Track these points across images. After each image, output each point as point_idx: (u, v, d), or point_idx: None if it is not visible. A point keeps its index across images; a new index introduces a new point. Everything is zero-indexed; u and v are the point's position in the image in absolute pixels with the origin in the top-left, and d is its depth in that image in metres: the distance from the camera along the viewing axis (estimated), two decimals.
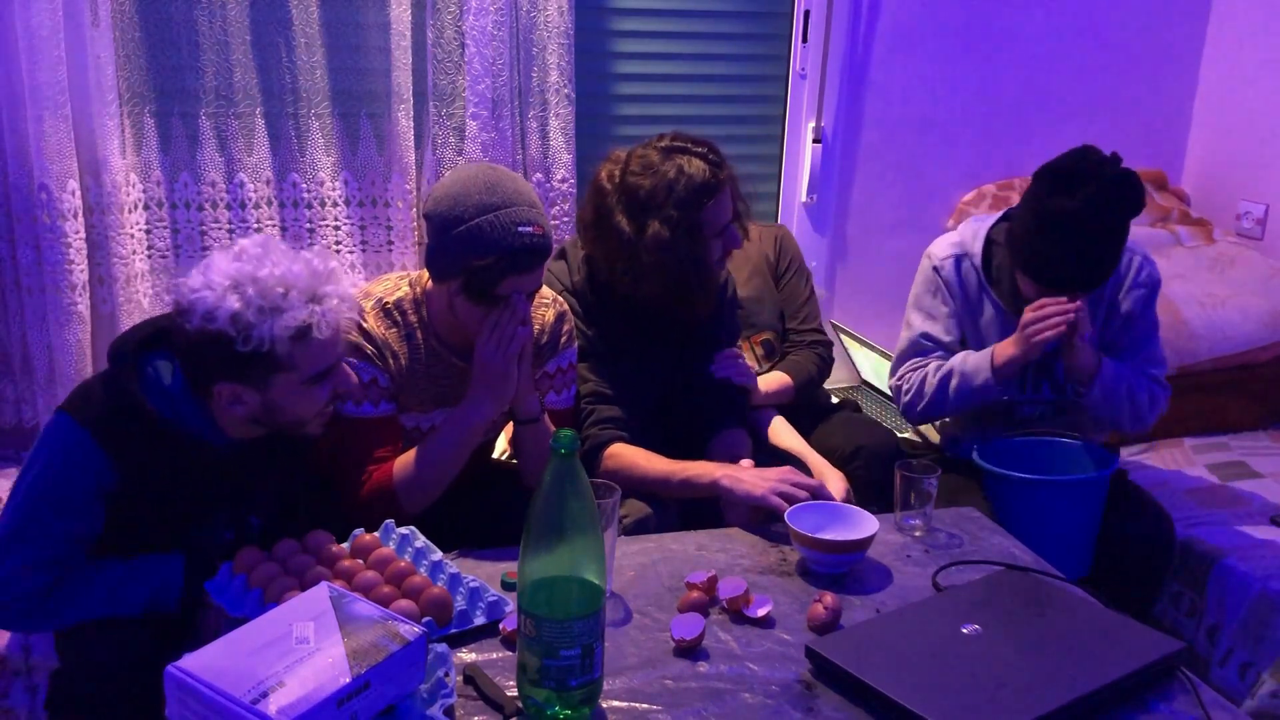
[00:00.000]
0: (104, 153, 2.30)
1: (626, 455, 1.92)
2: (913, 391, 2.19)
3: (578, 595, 1.23)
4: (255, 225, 2.52)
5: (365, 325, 1.76)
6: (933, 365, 2.17)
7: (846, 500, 1.88)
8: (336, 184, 2.58)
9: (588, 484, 1.24)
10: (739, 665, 1.39)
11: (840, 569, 1.62)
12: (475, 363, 1.74)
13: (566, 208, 2.66)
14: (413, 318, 1.80)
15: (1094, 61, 3.17)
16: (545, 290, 1.91)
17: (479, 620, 1.46)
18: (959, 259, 2.19)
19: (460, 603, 1.47)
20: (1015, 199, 3.01)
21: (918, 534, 1.78)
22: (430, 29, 2.49)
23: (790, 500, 1.70)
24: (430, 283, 1.79)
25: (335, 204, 2.59)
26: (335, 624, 1.22)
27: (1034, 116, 3.15)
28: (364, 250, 2.64)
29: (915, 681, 1.29)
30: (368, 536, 1.62)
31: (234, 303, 1.47)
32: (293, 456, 1.74)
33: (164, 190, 2.47)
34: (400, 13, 2.45)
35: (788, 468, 1.83)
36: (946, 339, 2.19)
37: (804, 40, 2.90)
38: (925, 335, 2.20)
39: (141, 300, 2.42)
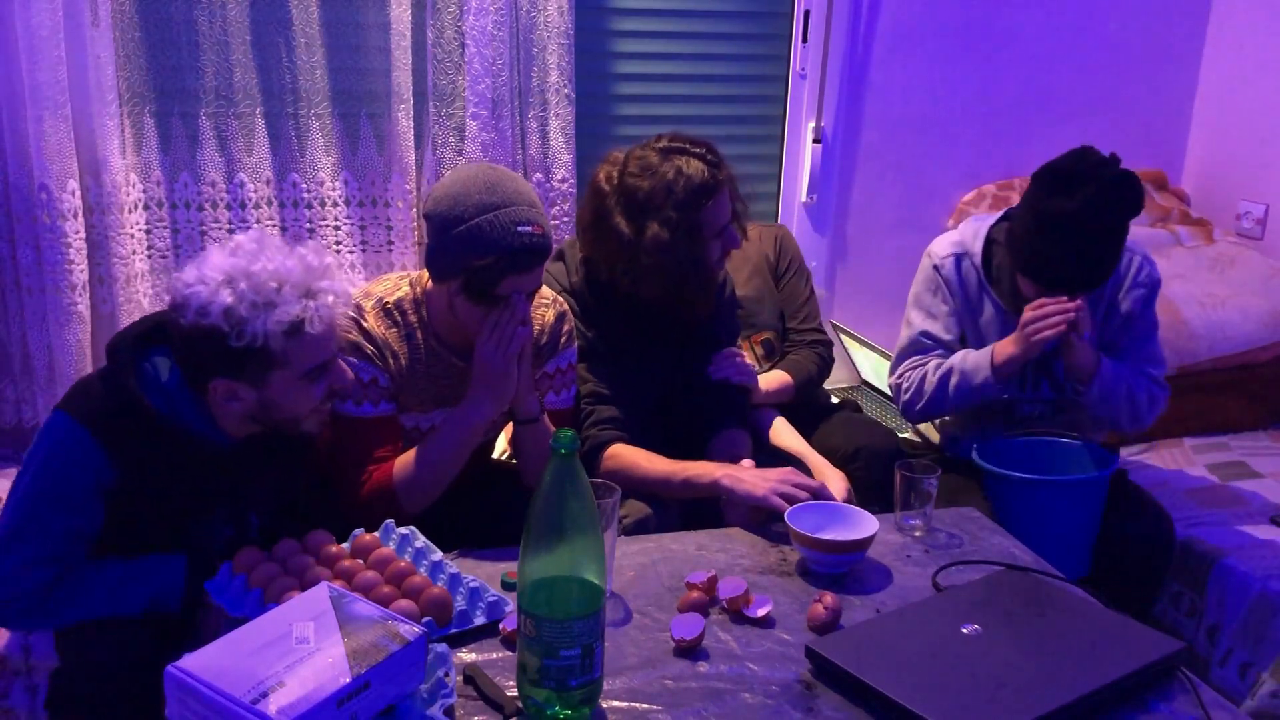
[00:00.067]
0: (104, 153, 2.30)
1: (627, 456, 1.92)
2: (912, 390, 2.19)
3: (578, 595, 1.23)
4: (255, 225, 2.52)
5: (365, 325, 1.76)
6: (932, 364, 2.17)
7: (847, 501, 1.88)
8: (336, 184, 2.58)
9: (588, 484, 1.24)
10: (739, 665, 1.39)
11: (840, 569, 1.62)
12: (475, 363, 1.74)
13: (566, 208, 2.66)
14: (413, 318, 1.80)
15: (1094, 61, 3.17)
16: (545, 290, 1.91)
17: (479, 620, 1.46)
18: (959, 258, 2.19)
19: (460, 603, 1.47)
20: (1015, 199, 3.01)
21: (918, 534, 1.78)
22: (430, 29, 2.49)
23: (791, 501, 1.70)
24: (430, 283, 1.79)
25: (335, 204, 2.59)
26: (335, 624, 1.22)
27: (1034, 116, 3.15)
28: (364, 250, 2.64)
29: (915, 681, 1.29)
30: (368, 536, 1.62)
31: (227, 297, 1.46)
32: (291, 454, 1.74)
33: (164, 190, 2.47)
34: (400, 13, 2.46)
35: (789, 468, 1.83)
36: (946, 337, 2.19)
37: (804, 40, 2.90)
38: (925, 334, 2.20)
39: (141, 300, 2.42)
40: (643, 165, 1.90)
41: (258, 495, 1.70)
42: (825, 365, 2.39)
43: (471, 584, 1.51)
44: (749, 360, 2.14)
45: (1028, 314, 2.02)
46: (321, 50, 2.49)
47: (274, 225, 2.54)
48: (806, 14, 2.88)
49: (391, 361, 1.78)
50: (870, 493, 2.02)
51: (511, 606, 1.46)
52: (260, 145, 2.50)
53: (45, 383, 2.35)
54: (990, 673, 1.32)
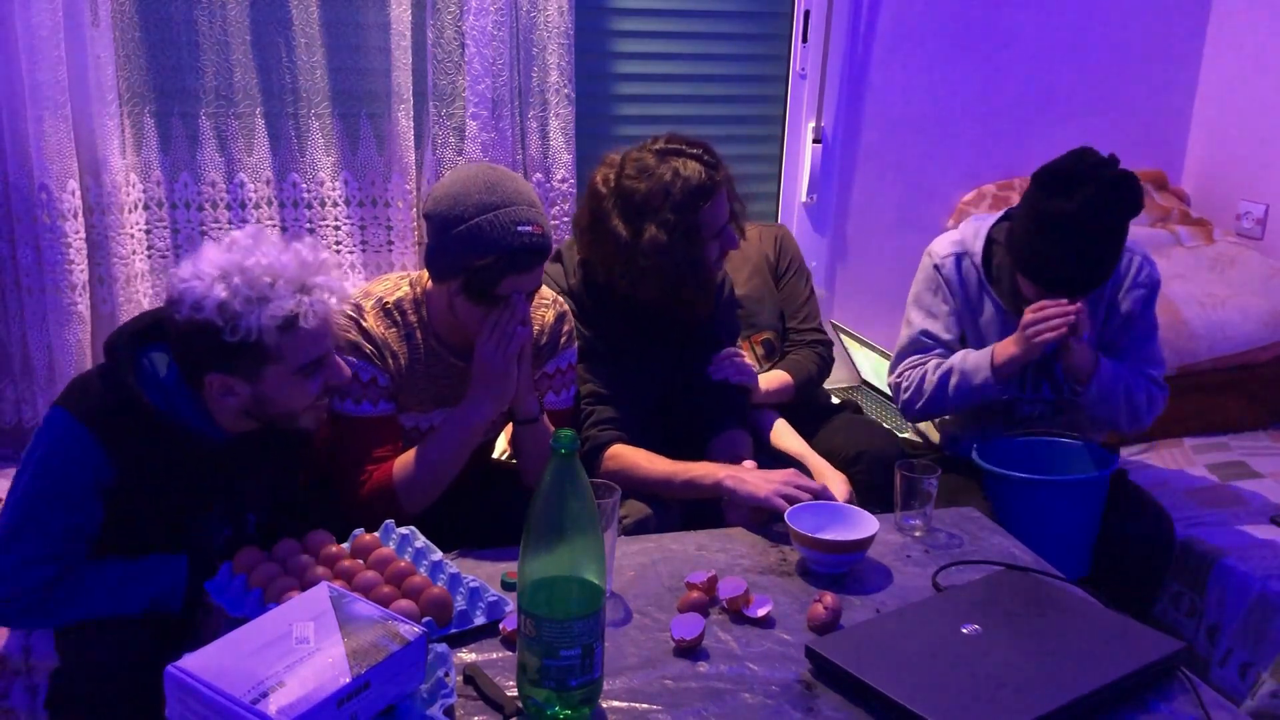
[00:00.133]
0: (104, 153, 2.30)
1: (628, 456, 1.92)
2: (912, 389, 2.19)
3: (578, 595, 1.23)
4: (255, 225, 2.52)
5: (365, 325, 1.76)
6: (932, 363, 2.17)
7: (848, 503, 1.88)
8: (336, 184, 2.58)
9: (588, 484, 1.24)
10: (739, 665, 1.39)
11: (840, 569, 1.62)
12: (475, 363, 1.74)
13: (566, 208, 2.66)
14: (412, 317, 1.80)
15: (1094, 61, 3.17)
16: (545, 291, 1.91)
17: (479, 620, 1.46)
18: (959, 257, 2.19)
19: (460, 603, 1.47)
20: (1015, 199, 3.01)
21: (918, 534, 1.78)
22: (430, 29, 2.49)
23: (793, 502, 1.70)
24: (430, 282, 1.79)
25: (335, 204, 2.60)
26: (335, 624, 1.22)
27: (1034, 116, 3.15)
28: (364, 250, 2.64)
29: (915, 681, 1.29)
30: (368, 536, 1.62)
31: (221, 292, 1.46)
32: (290, 452, 1.74)
33: (164, 190, 2.47)
34: (400, 13, 2.46)
35: (791, 470, 1.83)
36: (946, 337, 2.19)
37: (804, 40, 2.90)
38: (925, 333, 2.20)
39: (141, 300, 2.42)
40: (640, 167, 1.90)
41: (255, 493, 1.70)
42: (825, 365, 2.39)
43: (471, 584, 1.51)
44: (749, 360, 2.14)
45: (1028, 315, 2.02)
46: (321, 50, 2.49)
47: (274, 225, 2.54)
48: (806, 14, 2.88)
49: (391, 361, 1.78)
50: (872, 496, 2.02)
51: (511, 606, 1.46)
52: (260, 145, 2.50)
53: (45, 383, 2.35)
54: (990, 673, 1.32)
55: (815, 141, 2.96)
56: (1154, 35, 3.21)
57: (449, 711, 1.26)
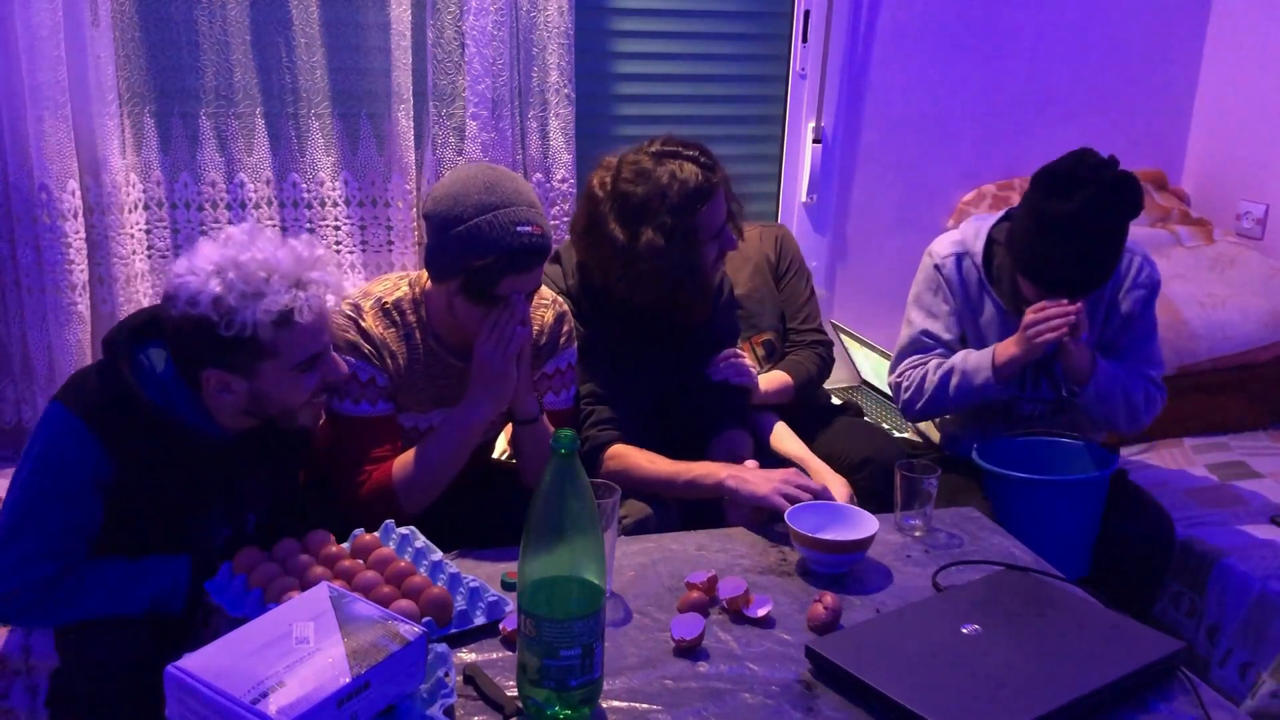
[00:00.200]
0: (104, 153, 2.30)
1: (629, 456, 1.92)
2: (913, 389, 2.19)
3: (578, 595, 1.23)
4: None
5: (363, 324, 1.76)
6: (933, 363, 2.17)
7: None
8: (336, 184, 2.58)
9: (588, 484, 1.24)
10: (739, 665, 1.39)
11: (840, 569, 1.62)
12: (474, 363, 1.74)
13: (566, 208, 2.66)
14: (411, 318, 1.80)
15: (1094, 61, 3.17)
16: (545, 291, 1.90)
17: (479, 620, 1.46)
18: (960, 257, 2.19)
19: (460, 603, 1.47)
20: (1015, 199, 3.01)
21: (918, 534, 1.78)
22: (430, 29, 2.49)
23: (794, 501, 1.70)
24: (429, 283, 1.79)
25: (335, 204, 2.60)
26: (335, 624, 1.22)
27: (1034, 116, 3.15)
28: (364, 250, 2.64)
29: (915, 681, 1.29)
30: (368, 536, 1.62)
31: (216, 287, 1.46)
32: (289, 452, 1.74)
33: (164, 190, 2.47)
34: (400, 13, 2.46)
35: (792, 469, 1.83)
36: (947, 337, 2.19)
37: (804, 40, 2.90)
38: (925, 333, 2.20)
39: (141, 300, 2.42)
40: (636, 171, 1.90)
41: (255, 492, 1.70)
42: (825, 366, 2.39)
43: (471, 584, 1.51)
44: (749, 361, 2.14)
45: (1029, 316, 2.02)
46: (321, 50, 2.49)
47: (274, 225, 2.54)
48: (806, 14, 2.88)
49: (390, 361, 1.78)
50: (875, 503, 2.00)
51: (511, 606, 1.46)
52: (260, 145, 2.51)
53: (45, 383, 2.35)
54: (990, 673, 1.32)
55: (815, 141, 2.96)
56: (1154, 35, 3.21)
57: (449, 711, 1.26)
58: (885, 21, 2.95)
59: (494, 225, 1.65)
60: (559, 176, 2.65)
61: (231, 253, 1.49)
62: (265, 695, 1.10)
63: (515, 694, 1.29)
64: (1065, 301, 2.00)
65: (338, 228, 2.60)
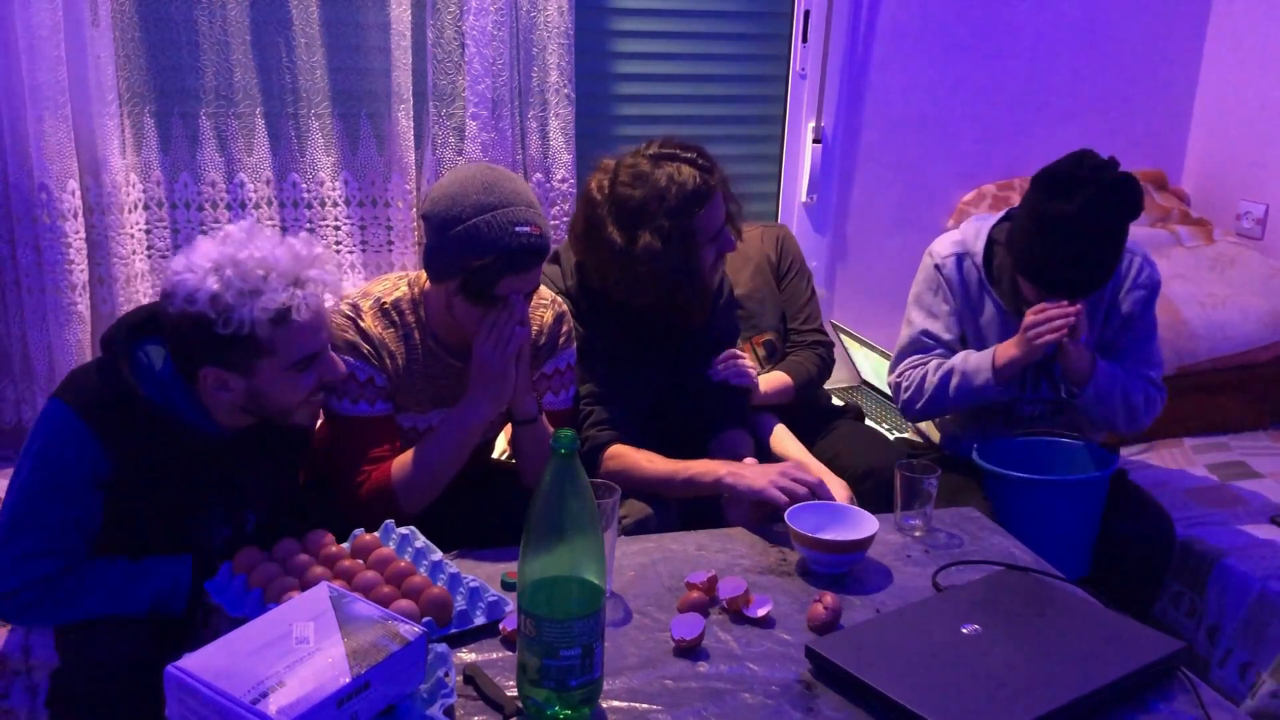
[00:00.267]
0: (104, 153, 2.30)
1: (628, 456, 1.92)
2: (912, 389, 2.19)
3: (578, 595, 1.23)
4: None
5: (362, 324, 1.76)
6: (933, 363, 2.17)
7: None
8: (336, 184, 2.58)
9: (588, 484, 1.24)
10: (739, 665, 1.39)
11: (840, 569, 1.62)
12: (473, 363, 1.74)
13: (566, 208, 2.66)
14: (410, 318, 1.80)
15: (1094, 61, 3.17)
16: (544, 291, 1.90)
17: (479, 620, 1.46)
18: (960, 257, 2.19)
19: (460, 603, 1.47)
20: (1015, 199, 3.01)
21: (918, 534, 1.78)
22: (430, 29, 2.49)
23: (791, 494, 1.70)
24: (428, 283, 1.79)
25: (335, 204, 2.60)
26: (335, 624, 1.22)
27: (1034, 116, 3.15)
28: (364, 250, 2.64)
29: (915, 681, 1.29)
30: (368, 536, 1.62)
31: (213, 284, 1.46)
32: (287, 450, 1.74)
33: (164, 190, 2.47)
34: (400, 13, 2.46)
35: (789, 462, 1.83)
36: (946, 337, 2.19)
37: (804, 40, 2.90)
38: (925, 333, 2.20)
39: (141, 300, 2.42)
40: (634, 173, 1.89)
41: (253, 490, 1.70)
42: (826, 366, 2.38)
43: (471, 584, 1.51)
44: (750, 362, 2.14)
45: (1029, 318, 2.02)
46: (321, 50, 2.49)
47: (274, 225, 2.54)
48: (806, 14, 2.88)
49: (388, 361, 1.78)
50: (877, 512, 2.00)
51: (511, 606, 1.46)
52: (260, 145, 2.51)
53: (45, 383, 2.35)
54: (990, 673, 1.32)
55: (815, 141, 2.96)
56: (1154, 35, 3.21)
57: (449, 711, 1.26)
58: (885, 21, 2.95)
59: (492, 225, 1.65)
60: (559, 177, 2.65)
61: (229, 250, 1.49)
62: (265, 695, 1.10)
63: (515, 694, 1.29)
64: (1065, 303, 2.00)
65: (338, 228, 2.61)
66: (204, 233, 2.49)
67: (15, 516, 1.53)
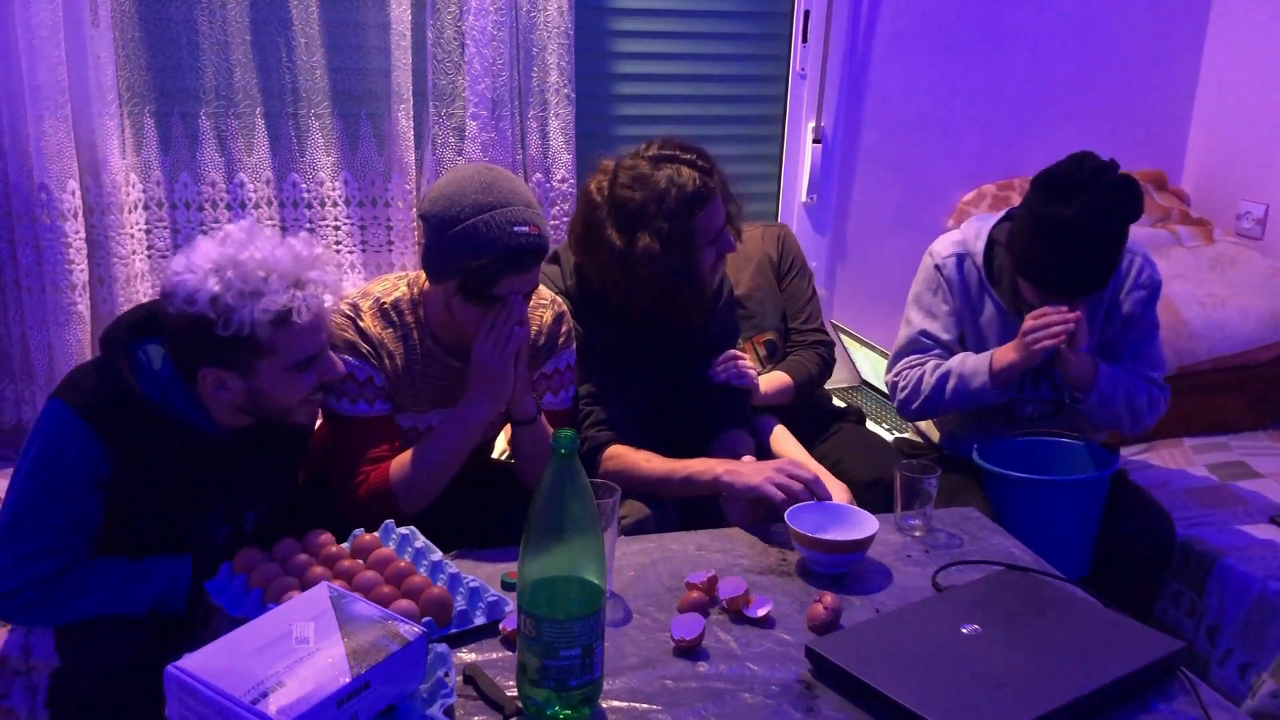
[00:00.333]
0: (104, 153, 2.30)
1: (627, 456, 1.92)
2: (909, 389, 2.19)
3: (578, 595, 1.23)
4: None
5: (361, 325, 1.76)
6: (930, 364, 2.17)
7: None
8: (336, 184, 2.58)
9: (588, 484, 1.24)
10: (739, 665, 1.39)
11: (840, 569, 1.62)
12: (472, 363, 1.74)
13: (566, 208, 2.66)
14: (410, 318, 1.80)
15: (1094, 61, 3.17)
16: (543, 291, 1.90)
17: (479, 620, 1.46)
18: (960, 258, 2.19)
19: (460, 603, 1.47)
20: (1015, 199, 3.01)
21: (918, 534, 1.78)
22: (430, 29, 2.49)
23: (787, 490, 1.70)
24: (427, 283, 1.79)
25: (335, 204, 2.60)
26: (335, 624, 1.22)
27: (1034, 116, 3.15)
28: (364, 250, 2.64)
29: (915, 681, 1.29)
30: (368, 536, 1.62)
31: (214, 285, 1.46)
32: (287, 449, 1.74)
33: (164, 190, 2.47)
34: (400, 13, 2.46)
35: (786, 459, 1.82)
36: (945, 337, 2.19)
37: (804, 40, 2.90)
38: (924, 333, 2.20)
39: (141, 300, 2.42)
40: (633, 175, 1.89)
41: (253, 490, 1.70)
42: (826, 366, 2.38)
43: (471, 584, 1.51)
44: (750, 362, 2.14)
45: (1029, 323, 2.02)
46: (321, 50, 2.49)
47: (274, 225, 2.55)
48: (806, 14, 2.88)
49: (388, 361, 1.78)
50: (879, 512, 2.00)
51: (511, 606, 1.46)
52: (260, 145, 2.51)
53: (45, 383, 2.35)
54: (990, 673, 1.32)
55: (815, 141, 2.96)
56: (1154, 35, 3.21)
57: (449, 711, 1.26)
58: (885, 21, 2.95)
59: (491, 225, 1.65)
60: (559, 177, 2.65)
61: (230, 251, 1.49)
62: (265, 695, 1.10)
63: (515, 694, 1.29)
64: (1065, 309, 2.00)
65: (337, 228, 2.61)
66: (204, 233, 2.50)
67: (15, 516, 1.53)
